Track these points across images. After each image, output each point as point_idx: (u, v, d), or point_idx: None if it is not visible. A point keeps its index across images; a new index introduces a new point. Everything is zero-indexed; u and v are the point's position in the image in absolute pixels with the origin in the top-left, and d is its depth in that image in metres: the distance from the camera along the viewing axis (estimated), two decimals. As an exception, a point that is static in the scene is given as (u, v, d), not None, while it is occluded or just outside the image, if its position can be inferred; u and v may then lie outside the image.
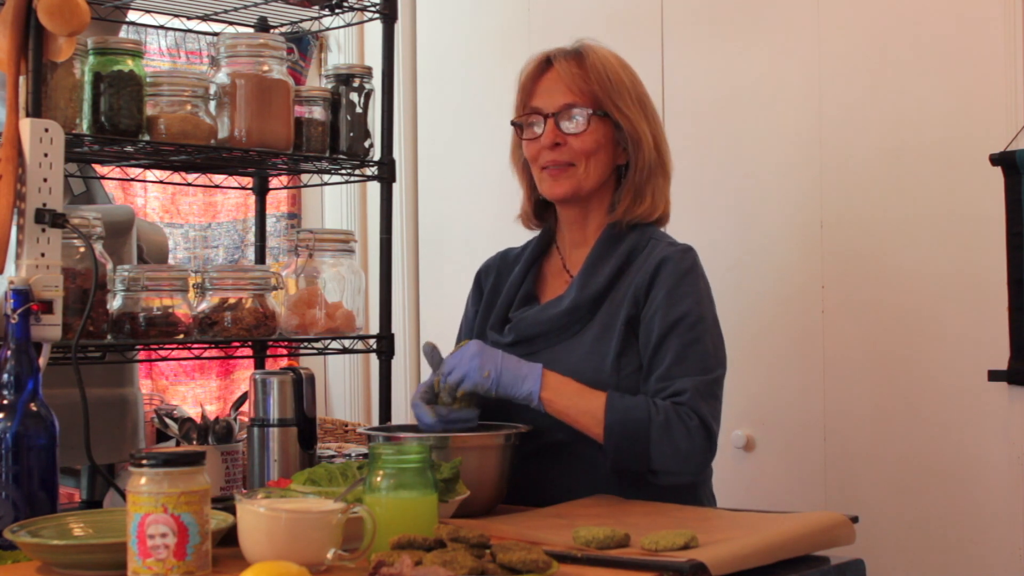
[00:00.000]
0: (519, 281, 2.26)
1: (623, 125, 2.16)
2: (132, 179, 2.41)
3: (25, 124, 1.77)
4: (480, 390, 2.01)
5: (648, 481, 2.01)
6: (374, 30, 3.16)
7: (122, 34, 2.45)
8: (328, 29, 2.57)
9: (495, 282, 2.31)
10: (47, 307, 1.74)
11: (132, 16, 2.40)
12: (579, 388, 2.03)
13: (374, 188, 2.45)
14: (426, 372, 2.17)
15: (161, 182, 2.47)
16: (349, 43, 3.94)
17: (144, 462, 1.43)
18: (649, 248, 2.15)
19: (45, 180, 1.77)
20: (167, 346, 2.06)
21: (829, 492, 2.81)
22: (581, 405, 2.01)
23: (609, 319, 2.11)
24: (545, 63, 2.21)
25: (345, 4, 2.34)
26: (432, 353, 2.10)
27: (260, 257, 2.60)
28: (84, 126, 1.95)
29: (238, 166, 2.39)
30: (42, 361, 1.73)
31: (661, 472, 1.99)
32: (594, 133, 2.16)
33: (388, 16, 2.36)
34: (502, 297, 2.26)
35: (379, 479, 1.58)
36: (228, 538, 1.56)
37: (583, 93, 2.16)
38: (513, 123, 2.24)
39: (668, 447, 1.97)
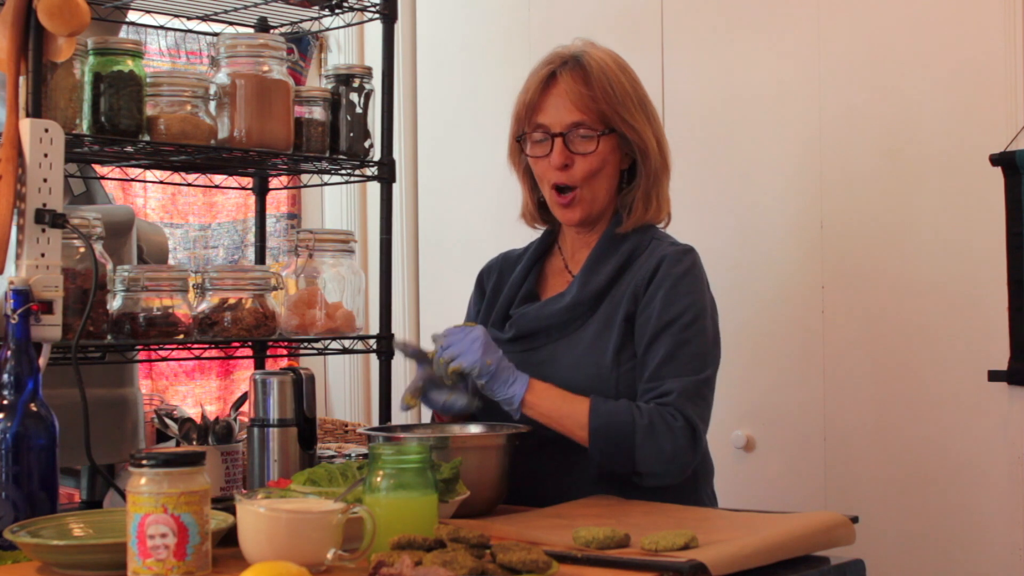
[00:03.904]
0: (520, 280, 2.26)
1: (631, 137, 2.14)
2: (132, 179, 2.41)
3: (25, 124, 1.77)
4: (473, 374, 2.00)
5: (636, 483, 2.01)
6: (374, 30, 3.16)
7: (122, 34, 2.45)
8: (328, 29, 2.57)
9: (497, 281, 2.31)
10: (47, 307, 1.74)
11: (132, 16, 2.40)
12: (562, 394, 2.03)
13: (374, 188, 2.44)
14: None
15: (161, 182, 2.47)
16: (349, 43, 3.94)
17: (144, 462, 1.43)
18: (651, 248, 2.15)
19: (45, 180, 1.77)
20: (167, 346, 2.06)
21: (829, 492, 2.81)
22: (564, 409, 2.02)
23: (609, 316, 2.11)
24: (549, 76, 2.16)
25: (345, 4, 2.34)
26: (406, 346, 2.13)
27: (260, 257, 2.60)
28: (84, 126, 1.94)
29: (238, 166, 2.39)
30: (42, 361, 1.73)
31: (646, 474, 2.00)
32: (602, 152, 2.14)
33: (388, 16, 2.36)
34: (503, 295, 2.26)
35: (379, 479, 1.58)
36: (228, 538, 1.56)
37: (590, 111, 2.12)
38: (518, 139, 2.21)
39: (653, 449, 1.97)
